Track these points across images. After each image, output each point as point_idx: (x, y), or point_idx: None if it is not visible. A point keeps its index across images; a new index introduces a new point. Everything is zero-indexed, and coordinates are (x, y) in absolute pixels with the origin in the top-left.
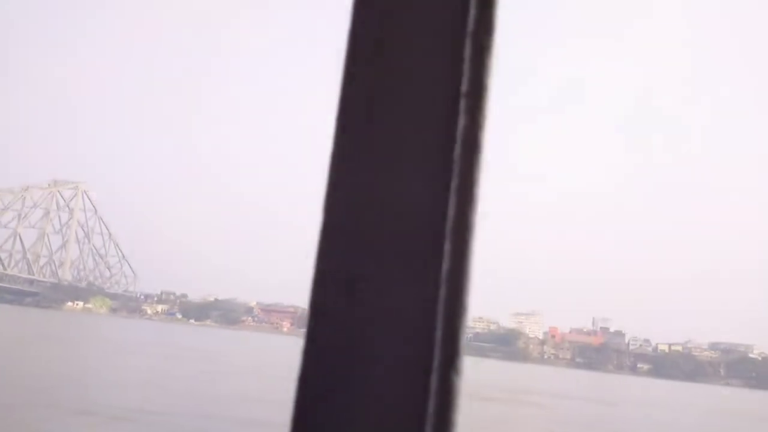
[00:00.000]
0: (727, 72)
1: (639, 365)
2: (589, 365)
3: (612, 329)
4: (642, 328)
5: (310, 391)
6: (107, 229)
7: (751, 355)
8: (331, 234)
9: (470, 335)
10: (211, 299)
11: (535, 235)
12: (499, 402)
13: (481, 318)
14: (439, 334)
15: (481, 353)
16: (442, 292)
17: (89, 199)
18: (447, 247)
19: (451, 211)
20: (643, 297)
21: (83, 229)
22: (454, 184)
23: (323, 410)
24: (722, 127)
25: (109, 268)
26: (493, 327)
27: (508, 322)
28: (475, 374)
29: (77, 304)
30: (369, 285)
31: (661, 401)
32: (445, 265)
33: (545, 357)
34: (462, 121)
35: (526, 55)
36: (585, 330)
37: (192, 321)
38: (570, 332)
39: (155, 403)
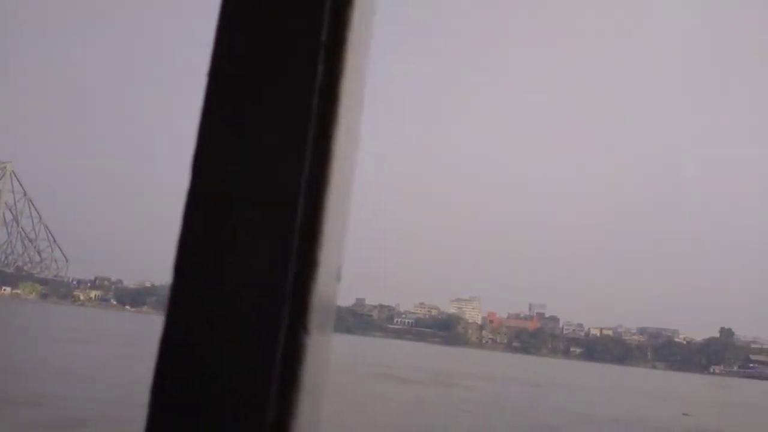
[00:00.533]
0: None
1: (572, 349)
2: (525, 349)
3: (547, 315)
4: (575, 314)
5: (172, 348)
6: (37, 213)
7: (676, 339)
8: (197, 195)
9: (411, 321)
10: (148, 285)
11: (476, 224)
12: (418, 384)
13: (422, 304)
14: (288, 289)
15: (422, 338)
16: (294, 245)
17: (18, 180)
18: (301, 200)
19: (307, 163)
20: (577, 284)
21: (11, 212)
22: (310, 134)
23: (184, 367)
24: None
25: (39, 253)
26: (433, 312)
27: (448, 308)
28: (403, 357)
29: (5, 290)
30: (230, 244)
31: (581, 382)
32: (298, 219)
33: (483, 341)
34: (319, 71)
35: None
36: (522, 315)
37: (128, 307)
38: (508, 317)
39: (63, 388)
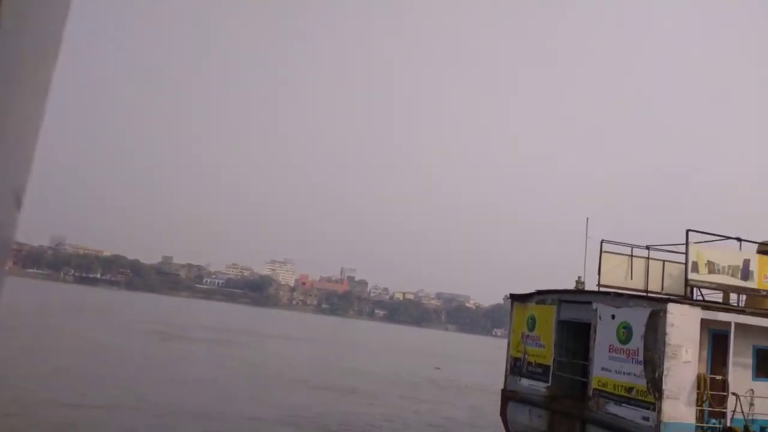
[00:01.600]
0: None
1: (377, 311)
2: (334, 310)
3: (357, 278)
4: (383, 278)
5: None
6: None
7: (467, 305)
8: None
9: (221, 281)
10: None
11: (295, 189)
12: (186, 339)
13: (234, 264)
14: None
15: (232, 299)
16: None
17: None
18: None
19: None
20: (385, 249)
21: None
22: None
23: None
24: None
25: None
26: (246, 273)
27: (262, 269)
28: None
29: None
30: None
31: (366, 341)
32: None
33: (294, 303)
34: None
35: None
36: (334, 278)
37: None
38: (320, 280)
39: None
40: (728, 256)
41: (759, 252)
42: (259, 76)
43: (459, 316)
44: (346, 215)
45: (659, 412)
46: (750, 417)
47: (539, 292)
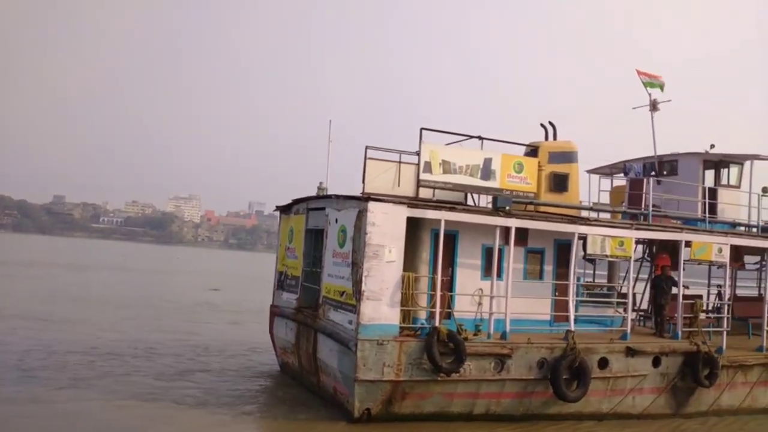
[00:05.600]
0: None
1: None
2: (242, 246)
3: (266, 212)
4: None
5: None
6: None
7: None
8: None
9: (120, 220)
10: None
11: (199, 122)
12: None
13: (135, 202)
14: None
15: (132, 238)
16: None
17: None
18: None
19: None
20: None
21: None
22: None
23: None
24: None
25: None
26: (148, 211)
27: (165, 206)
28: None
29: None
30: None
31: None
32: None
33: (199, 239)
34: None
35: None
36: (242, 213)
37: None
38: (227, 215)
39: None
40: (467, 155)
41: (526, 155)
42: None
43: None
44: (252, 146)
45: (359, 313)
46: (479, 316)
47: (295, 201)
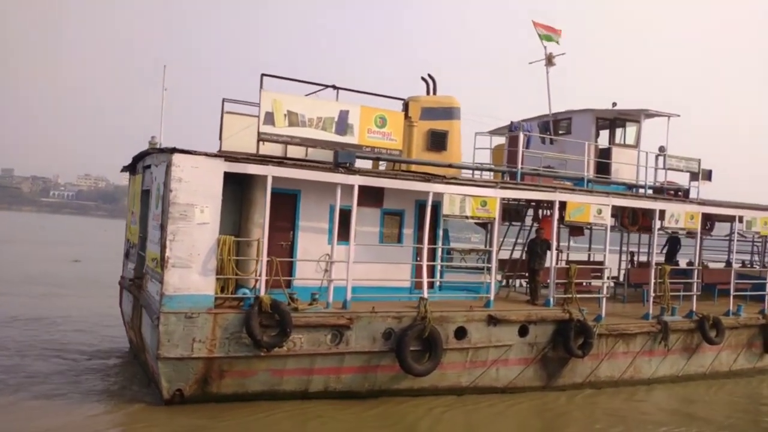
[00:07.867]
0: None
1: None
2: None
3: None
4: None
5: None
6: None
7: None
8: None
9: (71, 193)
10: None
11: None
12: None
13: (87, 175)
14: None
15: (83, 212)
16: None
17: None
18: None
19: None
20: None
21: None
22: None
23: None
24: None
25: None
26: (101, 185)
27: (120, 179)
28: None
29: None
30: None
31: None
32: None
33: None
34: None
35: None
36: None
37: None
38: None
39: None
40: (319, 106)
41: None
42: None
43: None
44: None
45: (162, 283)
46: (324, 284)
47: (135, 159)
